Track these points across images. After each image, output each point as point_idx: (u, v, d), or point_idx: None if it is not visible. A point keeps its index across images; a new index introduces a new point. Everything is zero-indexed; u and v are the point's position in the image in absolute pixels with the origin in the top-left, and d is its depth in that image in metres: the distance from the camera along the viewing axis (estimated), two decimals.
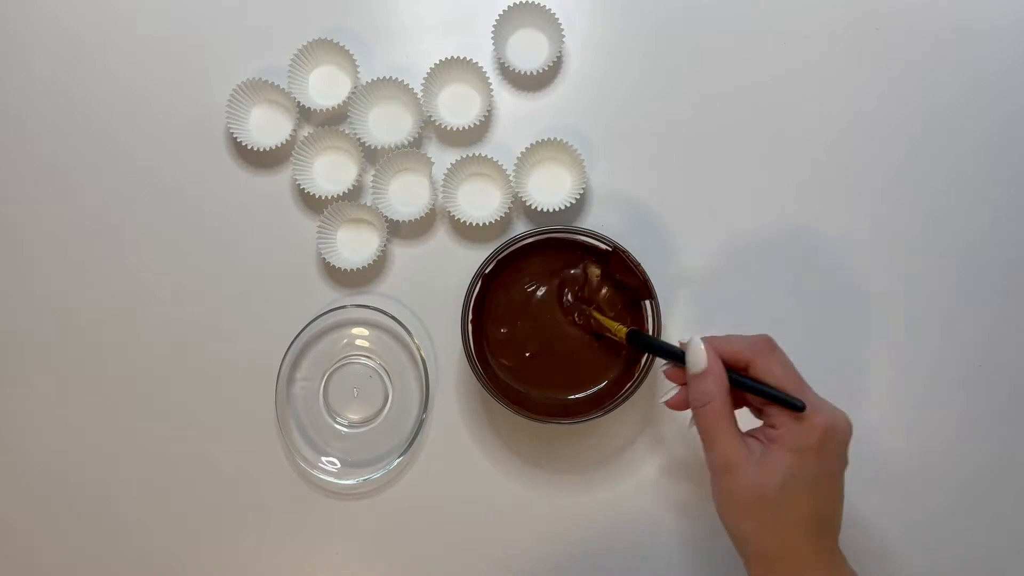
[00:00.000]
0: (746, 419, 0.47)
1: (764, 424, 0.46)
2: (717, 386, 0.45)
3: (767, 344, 0.46)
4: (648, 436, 0.59)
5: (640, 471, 0.58)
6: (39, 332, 0.60)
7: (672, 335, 0.58)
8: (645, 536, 0.58)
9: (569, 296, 0.55)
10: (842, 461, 0.45)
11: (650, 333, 0.54)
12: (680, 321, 0.59)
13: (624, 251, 0.53)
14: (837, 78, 0.61)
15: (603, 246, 0.54)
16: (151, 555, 0.59)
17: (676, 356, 0.48)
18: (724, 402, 0.45)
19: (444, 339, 0.59)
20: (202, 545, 0.59)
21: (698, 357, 0.46)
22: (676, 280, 0.59)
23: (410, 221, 0.58)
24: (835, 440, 0.44)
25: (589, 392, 0.55)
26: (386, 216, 0.58)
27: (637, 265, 0.53)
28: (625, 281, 0.54)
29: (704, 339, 0.47)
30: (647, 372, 0.53)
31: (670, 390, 0.49)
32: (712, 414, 0.45)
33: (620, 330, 0.52)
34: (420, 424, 0.58)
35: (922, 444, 0.58)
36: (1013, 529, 0.58)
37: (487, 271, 0.54)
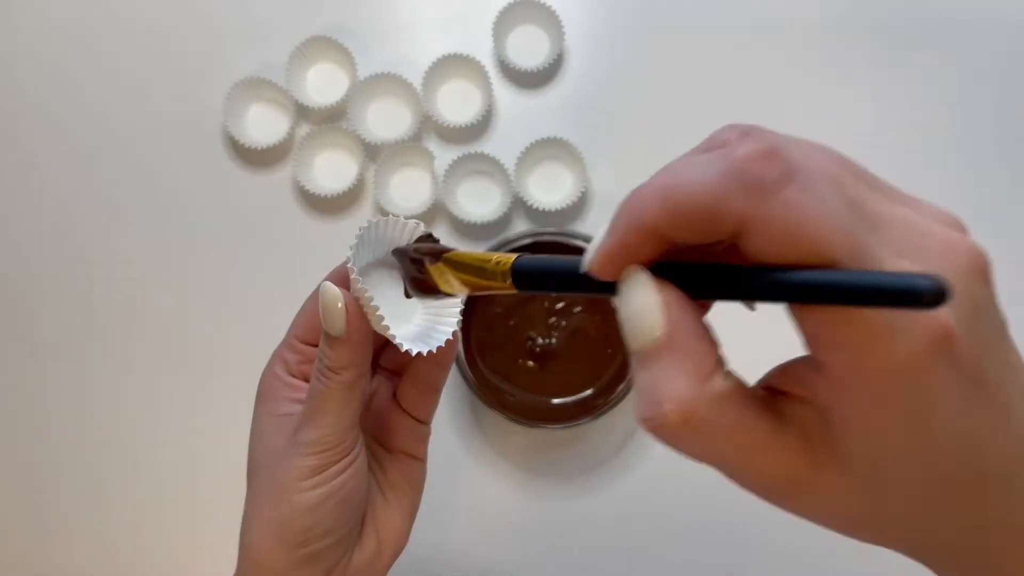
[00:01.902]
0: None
1: (802, 360, 0.22)
2: (694, 373, 0.21)
3: (766, 160, 0.20)
4: (641, 439, 0.58)
5: (633, 475, 0.58)
6: (36, 332, 0.60)
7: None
8: (640, 539, 0.58)
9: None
10: (994, 352, 0.21)
11: None
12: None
13: None
14: (839, 79, 0.60)
15: None
16: (151, 556, 0.59)
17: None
18: (722, 399, 0.21)
19: None
20: (202, 545, 0.59)
21: (642, 309, 0.21)
22: None
23: (412, 216, 0.58)
24: (971, 335, 0.20)
25: (579, 396, 0.55)
26: (388, 211, 0.58)
27: None
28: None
29: (610, 243, 0.22)
30: None
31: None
32: (704, 432, 0.21)
33: (503, 264, 0.27)
34: None
35: None
36: None
37: None
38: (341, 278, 0.33)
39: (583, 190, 0.57)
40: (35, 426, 0.60)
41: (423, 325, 0.34)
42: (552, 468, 0.58)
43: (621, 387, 0.53)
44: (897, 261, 0.19)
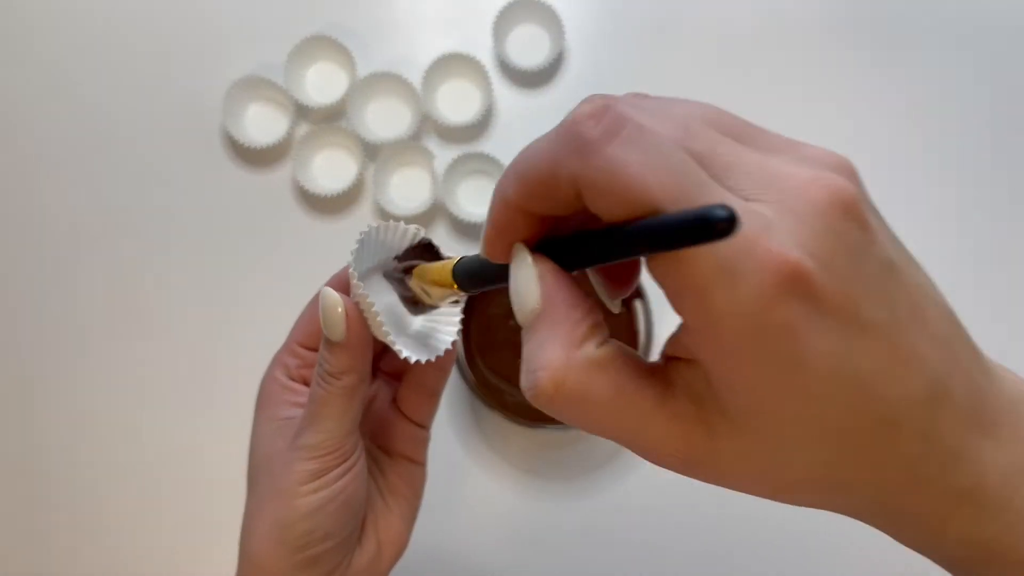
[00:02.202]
0: None
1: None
2: (569, 339, 0.21)
3: (595, 119, 0.20)
4: None
5: (632, 476, 0.58)
6: (35, 332, 0.60)
7: (667, 336, 0.57)
8: (640, 540, 0.57)
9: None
10: (873, 279, 0.20)
11: (641, 334, 0.53)
12: (676, 322, 0.58)
13: None
14: (840, 80, 0.60)
15: None
16: (150, 556, 0.59)
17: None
18: (599, 365, 0.21)
19: None
20: (201, 545, 0.59)
21: (523, 281, 0.22)
22: None
23: (412, 216, 0.58)
24: (833, 275, 0.19)
25: None
26: (388, 211, 0.58)
27: None
28: None
29: (490, 224, 0.24)
30: None
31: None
32: (580, 398, 0.22)
33: (447, 268, 0.30)
34: None
35: None
36: None
37: None
38: (342, 283, 0.33)
39: None
40: (32, 427, 0.60)
41: (424, 331, 0.34)
42: (552, 468, 0.58)
43: None
44: (734, 203, 0.19)
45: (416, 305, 0.33)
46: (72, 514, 0.59)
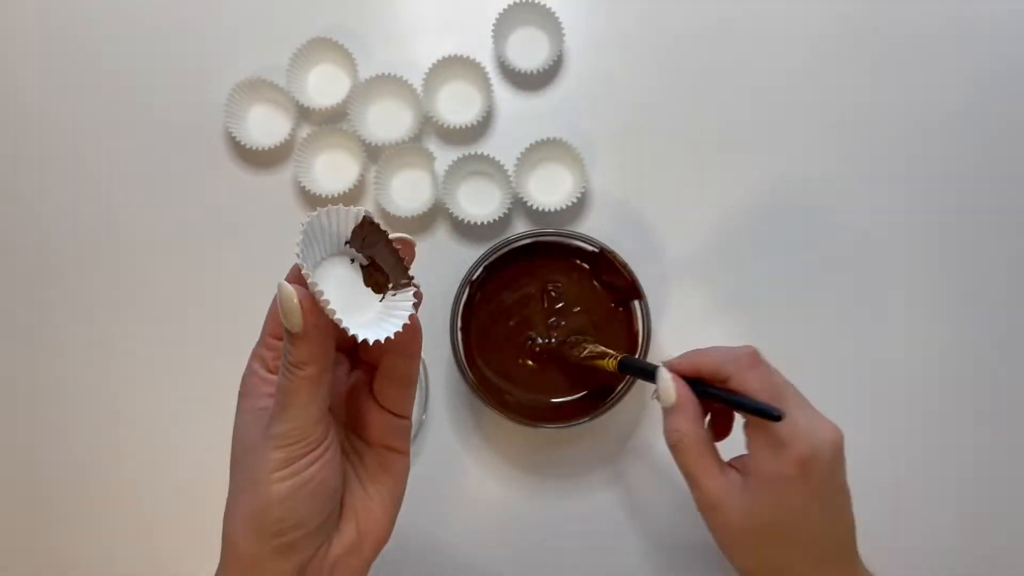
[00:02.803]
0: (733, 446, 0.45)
1: (745, 452, 0.43)
2: (688, 421, 0.42)
3: (750, 358, 0.42)
4: (640, 439, 0.58)
5: (632, 475, 0.58)
6: (35, 332, 0.60)
7: (667, 335, 0.58)
8: (639, 538, 0.58)
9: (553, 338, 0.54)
10: (833, 486, 0.41)
11: (640, 333, 0.53)
12: (677, 322, 0.58)
13: (611, 252, 0.53)
14: (840, 81, 0.60)
15: (590, 248, 0.54)
16: (149, 556, 0.59)
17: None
18: (698, 438, 0.42)
19: (441, 339, 0.59)
20: (201, 545, 0.59)
21: (666, 391, 0.43)
22: (675, 279, 0.59)
23: (413, 217, 0.58)
24: (819, 466, 0.40)
25: (579, 396, 0.55)
26: (389, 212, 0.58)
27: (624, 266, 0.53)
28: (613, 282, 0.54)
29: (675, 363, 0.44)
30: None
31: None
32: (685, 451, 0.42)
33: (611, 363, 0.49)
34: (420, 426, 0.57)
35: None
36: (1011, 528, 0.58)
37: (473, 277, 0.54)
38: (298, 276, 0.34)
39: (583, 190, 0.57)
40: (33, 427, 0.60)
41: (380, 315, 0.34)
42: (552, 468, 0.58)
43: (620, 387, 0.53)
44: (793, 418, 0.40)
45: (378, 289, 0.34)
46: (75, 514, 0.59)
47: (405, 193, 0.60)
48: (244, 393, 0.37)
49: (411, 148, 0.59)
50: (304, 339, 0.33)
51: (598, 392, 0.54)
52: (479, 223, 0.58)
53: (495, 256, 0.54)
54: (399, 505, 0.38)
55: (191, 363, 0.60)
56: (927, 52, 0.61)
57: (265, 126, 0.61)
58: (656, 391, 0.44)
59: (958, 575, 0.57)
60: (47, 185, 0.61)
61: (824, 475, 0.40)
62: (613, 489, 0.58)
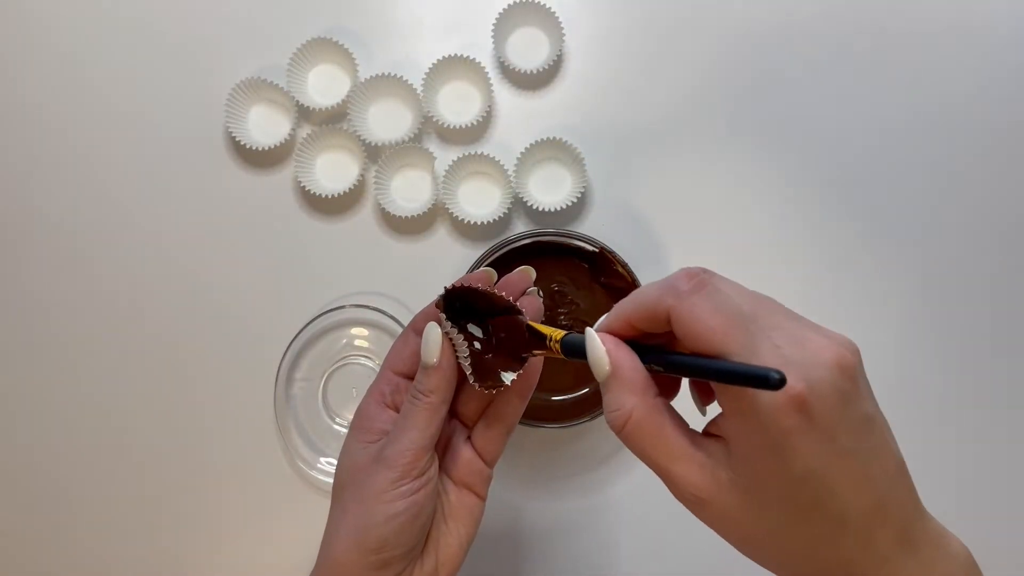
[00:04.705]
0: None
1: (719, 412, 0.31)
2: (632, 392, 0.31)
3: (689, 279, 0.30)
4: None
5: (632, 474, 0.58)
6: (36, 332, 0.60)
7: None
8: (640, 538, 0.58)
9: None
10: (855, 420, 0.29)
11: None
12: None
13: (611, 252, 0.53)
14: (841, 81, 0.60)
15: (590, 248, 0.54)
16: (149, 556, 0.59)
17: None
18: (650, 411, 0.31)
19: None
20: (201, 545, 0.59)
21: (597, 359, 0.32)
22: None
23: (413, 217, 0.58)
24: (825, 401, 0.28)
25: (579, 395, 0.55)
26: (389, 212, 0.58)
27: (624, 266, 0.53)
28: (613, 283, 0.54)
29: (603, 322, 0.34)
30: None
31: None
32: (638, 434, 0.31)
33: (554, 345, 0.37)
34: None
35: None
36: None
37: None
38: (429, 317, 0.40)
39: (583, 190, 0.58)
40: (32, 427, 0.60)
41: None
42: (552, 467, 0.58)
43: None
44: (771, 353, 0.28)
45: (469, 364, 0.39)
46: (72, 514, 0.59)
47: (405, 193, 0.60)
48: (357, 425, 0.41)
49: (411, 148, 0.59)
50: (437, 370, 0.38)
51: (599, 391, 0.54)
52: (479, 223, 0.58)
53: (495, 256, 0.54)
54: (470, 544, 0.42)
55: (191, 363, 0.60)
56: (926, 52, 0.61)
57: (265, 126, 0.61)
58: (587, 356, 0.33)
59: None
60: (47, 185, 0.61)
61: (836, 411, 0.28)
62: (614, 489, 0.58)
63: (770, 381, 0.26)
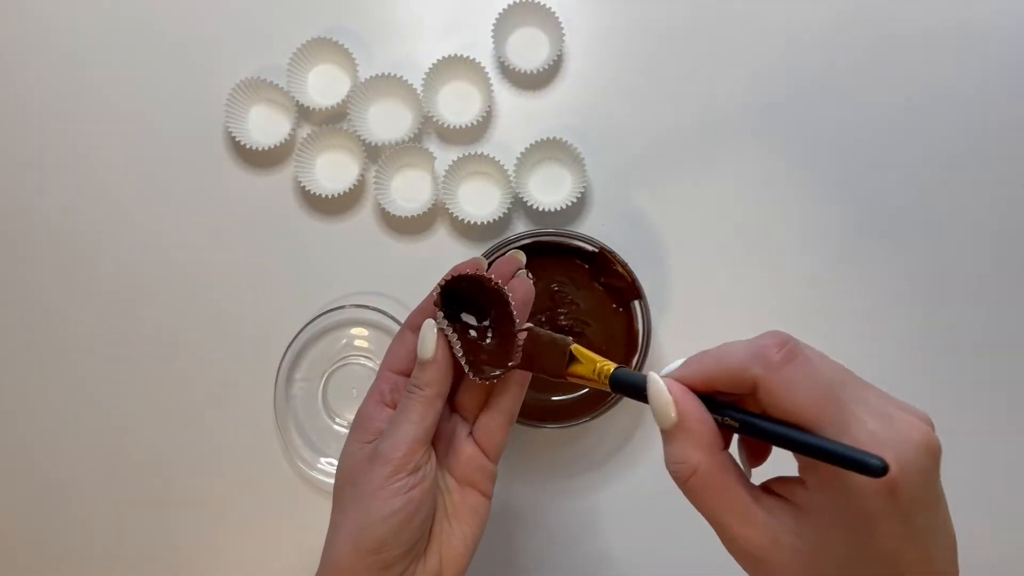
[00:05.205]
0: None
1: (795, 477, 0.31)
2: (699, 447, 0.31)
3: (781, 349, 0.29)
4: (641, 438, 0.58)
5: (633, 474, 0.58)
6: (36, 332, 0.60)
7: (667, 335, 0.58)
8: (640, 538, 0.58)
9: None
10: (930, 504, 0.29)
11: (640, 333, 0.53)
12: (677, 322, 0.58)
13: (611, 252, 0.53)
14: (841, 81, 0.60)
15: (590, 248, 0.54)
16: (149, 556, 0.59)
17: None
18: (717, 467, 0.31)
19: None
20: (200, 545, 0.59)
21: (661, 406, 0.31)
22: (675, 279, 0.59)
23: (413, 217, 0.58)
24: (913, 488, 0.28)
25: (579, 395, 0.55)
26: (389, 212, 0.58)
27: (624, 266, 0.53)
28: (613, 283, 0.54)
29: (677, 372, 0.32)
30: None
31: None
32: (702, 490, 0.31)
33: (601, 374, 0.36)
34: None
35: None
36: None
37: None
38: (425, 313, 0.41)
39: (583, 190, 0.58)
40: (31, 427, 0.60)
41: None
42: (552, 468, 0.58)
43: None
44: (860, 429, 0.28)
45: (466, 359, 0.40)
46: (72, 513, 0.59)
47: (405, 193, 0.60)
48: (357, 426, 0.41)
49: (411, 148, 0.59)
50: (432, 364, 0.39)
51: (599, 391, 0.54)
52: (479, 223, 0.58)
53: (495, 256, 0.54)
54: (477, 545, 0.41)
55: (191, 363, 0.60)
56: (928, 52, 0.61)
57: (265, 126, 0.61)
58: (650, 404, 0.32)
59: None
60: (47, 185, 0.61)
61: (919, 492, 0.28)
62: (615, 489, 0.58)
63: (872, 469, 0.26)
